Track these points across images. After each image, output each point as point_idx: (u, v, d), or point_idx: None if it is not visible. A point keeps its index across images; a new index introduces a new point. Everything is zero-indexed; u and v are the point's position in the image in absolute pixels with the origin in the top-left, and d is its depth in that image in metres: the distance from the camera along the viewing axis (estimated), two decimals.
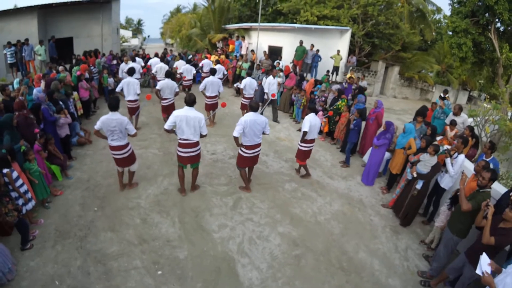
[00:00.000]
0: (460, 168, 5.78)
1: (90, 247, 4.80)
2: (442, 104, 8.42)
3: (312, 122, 6.78)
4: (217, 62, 13.86)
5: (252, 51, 16.69)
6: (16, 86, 9.49)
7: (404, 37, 18.96)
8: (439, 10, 22.72)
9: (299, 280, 4.60)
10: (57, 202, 5.81)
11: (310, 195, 6.81)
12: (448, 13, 20.28)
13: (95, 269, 4.44)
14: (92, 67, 11.54)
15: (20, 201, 4.76)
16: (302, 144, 7.01)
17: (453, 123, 7.20)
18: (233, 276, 4.55)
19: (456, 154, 5.87)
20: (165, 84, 8.86)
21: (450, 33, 19.22)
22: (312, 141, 7.07)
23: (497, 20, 17.46)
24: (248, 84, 10.10)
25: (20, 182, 4.80)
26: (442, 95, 9.99)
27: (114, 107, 5.53)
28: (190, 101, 5.70)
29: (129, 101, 8.82)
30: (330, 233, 5.70)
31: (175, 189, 6.50)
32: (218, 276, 4.52)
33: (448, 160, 5.84)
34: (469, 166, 5.89)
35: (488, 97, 16.05)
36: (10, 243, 4.65)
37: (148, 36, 60.45)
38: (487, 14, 17.35)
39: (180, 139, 5.75)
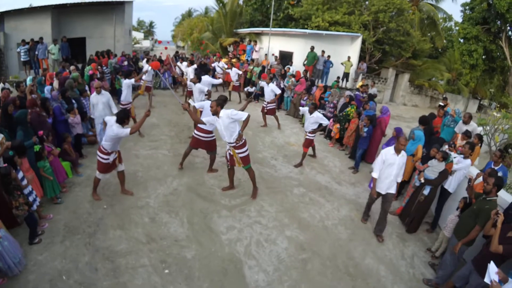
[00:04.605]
0: (466, 172, 5.87)
1: (98, 244, 4.86)
2: (453, 112, 8.37)
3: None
4: (232, 65, 14.24)
5: (266, 55, 16.79)
6: (29, 83, 9.65)
7: (415, 44, 18.90)
8: (450, 18, 22.64)
9: (305, 283, 4.60)
10: (67, 199, 5.89)
11: (318, 200, 6.81)
12: (459, 21, 20.14)
13: (103, 265, 4.49)
14: (104, 67, 11.68)
15: (31, 198, 4.84)
16: (310, 135, 7.93)
17: (467, 134, 7.08)
18: (239, 277, 4.57)
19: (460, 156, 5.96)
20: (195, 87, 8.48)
21: (461, 40, 19.11)
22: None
23: (508, 28, 17.32)
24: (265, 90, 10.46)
25: (24, 182, 4.82)
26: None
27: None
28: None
29: (122, 104, 8.75)
30: (337, 238, 5.70)
31: (184, 189, 6.56)
32: (224, 277, 4.54)
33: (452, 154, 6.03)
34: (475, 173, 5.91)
35: (498, 105, 15.91)
36: (20, 237, 4.70)
37: (156, 41, 60.59)
38: (498, 21, 17.23)
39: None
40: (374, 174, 5.71)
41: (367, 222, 6.24)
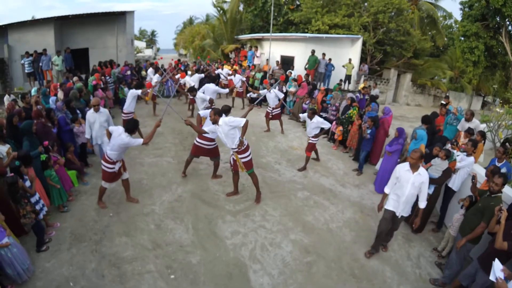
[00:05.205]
0: (469, 170, 5.85)
1: (105, 251, 4.91)
2: (455, 110, 8.35)
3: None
4: (235, 71, 14.50)
5: (267, 60, 16.86)
6: (34, 95, 9.78)
7: (416, 43, 18.86)
8: (450, 15, 22.60)
9: (310, 286, 4.61)
10: (73, 207, 5.97)
11: (323, 203, 6.82)
12: (459, 18, 20.12)
13: (109, 272, 4.54)
14: (107, 77, 11.81)
15: (38, 206, 4.90)
16: (313, 139, 7.98)
17: (470, 131, 7.09)
18: (244, 281, 4.59)
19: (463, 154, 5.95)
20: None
21: (462, 38, 19.06)
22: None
23: (508, 23, 17.26)
24: (268, 96, 10.51)
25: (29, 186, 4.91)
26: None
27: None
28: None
29: (124, 113, 8.78)
30: (342, 240, 5.69)
31: (189, 196, 6.61)
32: (229, 281, 4.57)
33: (455, 152, 6.02)
34: (480, 171, 5.92)
35: (501, 101, 15.80)
36: (27, 245, 4.78)
37: (158, 49, 61.03)
38: (497, 17, 17.17)
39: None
40: (386, 190, 5.12)
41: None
